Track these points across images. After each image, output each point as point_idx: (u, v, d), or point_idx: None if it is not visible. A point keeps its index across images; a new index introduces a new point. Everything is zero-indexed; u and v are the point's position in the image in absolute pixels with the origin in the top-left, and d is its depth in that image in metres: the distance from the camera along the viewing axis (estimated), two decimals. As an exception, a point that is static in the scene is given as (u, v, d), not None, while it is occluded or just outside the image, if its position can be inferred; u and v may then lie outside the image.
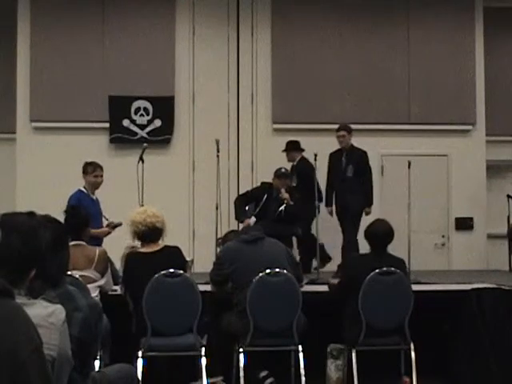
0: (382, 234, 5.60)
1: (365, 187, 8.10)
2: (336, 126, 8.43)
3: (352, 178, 8.02)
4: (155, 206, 5.53)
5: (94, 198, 7.06)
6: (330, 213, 8.22)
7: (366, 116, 9.54)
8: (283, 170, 7.87)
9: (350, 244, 7.71)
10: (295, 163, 8.47)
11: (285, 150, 8.62)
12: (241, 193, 8.56)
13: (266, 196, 7.77)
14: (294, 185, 8.13)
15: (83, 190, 7.01)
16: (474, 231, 9.72)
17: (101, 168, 7.07)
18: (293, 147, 8.55)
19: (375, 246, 5.61)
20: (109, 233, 6.84)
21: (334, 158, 8.18)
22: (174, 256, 5.34)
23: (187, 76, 9.49)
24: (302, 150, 8.51)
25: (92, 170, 7.01)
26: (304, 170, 8.18)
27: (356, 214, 7.88)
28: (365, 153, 8.15)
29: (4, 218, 2.29)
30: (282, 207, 7.61)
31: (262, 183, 8.18)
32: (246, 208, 7.89)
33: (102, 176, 7.06)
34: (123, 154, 8.99)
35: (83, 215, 5.48)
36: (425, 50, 9.71)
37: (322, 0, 9.65)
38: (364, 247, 6.02)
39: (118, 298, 5.55)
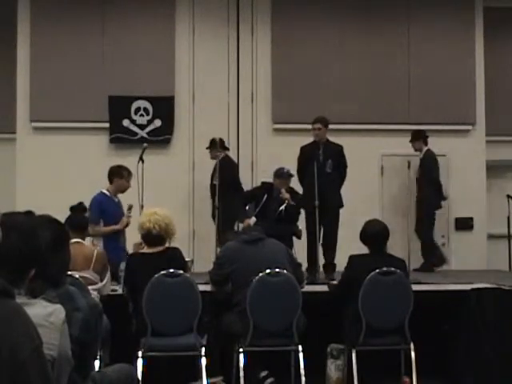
0: (380, 233, 5.59)
1: (340, 184, 7.76)
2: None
3: (331, 174, 7.60)
4: (164, 208, 5.54)
5: (116, 200, 7.07)
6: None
7: (366, 116, 9.54)
8: (284, 170, 7.84)
9: (333, 242, 7.59)
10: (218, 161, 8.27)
11: (208, 148, 8.51)
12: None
13: (266, 196, 7.75)
14: (216, 183, 7.98)
15: (106, 192, 6.99)
16: (474, 231, 9.72)
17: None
18: (216, 145, 8.39)
19: (375, 246, 5.59)
20: (127, 223, 6.86)
21: (309, 152, 7.65)
22: (174, 257, 5.37)
23: (187, 76, 9.50)
24: (227, 149, 8.44)
25: (127, 174, 7.03)
26: (227, 168, 8.09)
27: (337, 212, 7.58)
28: (342, 147, 7.78)
29: (3, 217, 2.28)
30: (283, 207, 7.58)
31: (262, 183, 8.15)
32: (247, 208, 7.87)
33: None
34: (123, 154, 8.97)
35: (86, 216, 5.50)
36: (425, 50, 9.71)
37: (322, 0, 9.66)
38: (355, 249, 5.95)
39: (118, 298, 5.55)
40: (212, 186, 8.20)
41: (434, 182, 8.80)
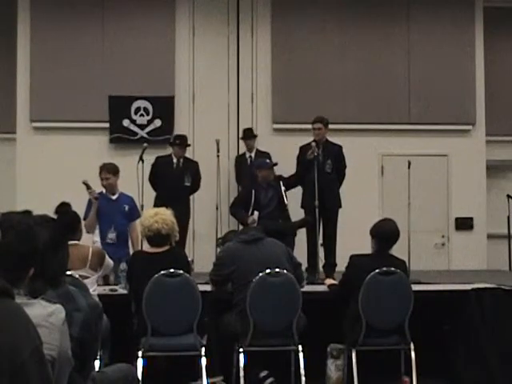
0: (391, 233, 5.55)
1: (339, 184, 7.72)
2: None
3: (331, 174, 7.54)
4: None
5: (114, 197, 7.06)
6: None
7: (366, 116, 9.55)
8: (264, 160, 7.67)
9: (333, 242, 7.57)
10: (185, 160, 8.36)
11: (178, 144, 8.37)
12: (230, 203, 8.23)
13: (253, 191, 7.44)
14: (189, 184, 8.05)
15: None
16: (474, 231, 9.72)
17: (106, 170, 7.00)
18: (185, 142, 8.39)
19: (382, 245, 5.57)
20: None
21: (309, 151, 7.51)
22: (179, 256, 5.37)
23: (187, 76, 9.50)
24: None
25: (99, 172, 7.01)
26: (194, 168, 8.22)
27: (337, 212, 7.56)
28: (341, 147, 7.73)
29: (1, 217, 2.28)
30: (283, 188, 7.39)
31: (243, 185, 8.04)
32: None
33: (107, 179, 6.99)
34: (123, 154, 8.98)
35: (74, 212, 5.47)
36: (425, 50, 9.72)
37: (321, 0, 9.66)
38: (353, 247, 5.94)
39: (117, 298, 5.55)
40: (184, 188, 8.07)
41: None
